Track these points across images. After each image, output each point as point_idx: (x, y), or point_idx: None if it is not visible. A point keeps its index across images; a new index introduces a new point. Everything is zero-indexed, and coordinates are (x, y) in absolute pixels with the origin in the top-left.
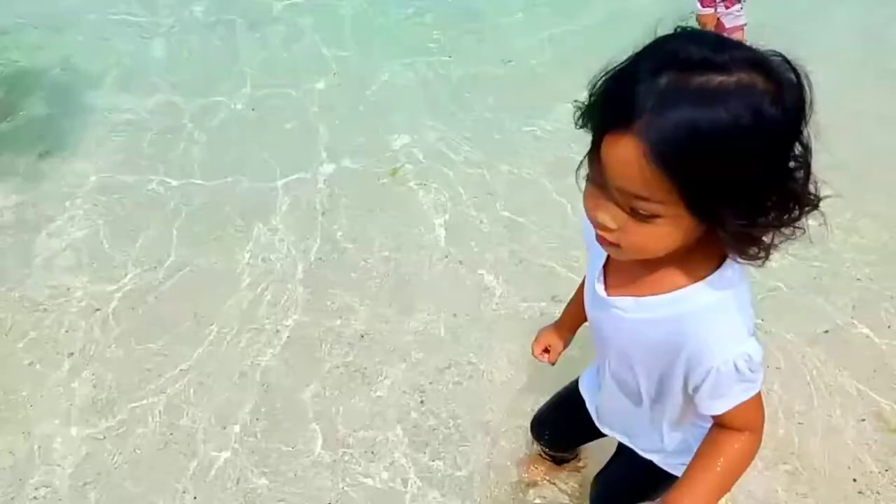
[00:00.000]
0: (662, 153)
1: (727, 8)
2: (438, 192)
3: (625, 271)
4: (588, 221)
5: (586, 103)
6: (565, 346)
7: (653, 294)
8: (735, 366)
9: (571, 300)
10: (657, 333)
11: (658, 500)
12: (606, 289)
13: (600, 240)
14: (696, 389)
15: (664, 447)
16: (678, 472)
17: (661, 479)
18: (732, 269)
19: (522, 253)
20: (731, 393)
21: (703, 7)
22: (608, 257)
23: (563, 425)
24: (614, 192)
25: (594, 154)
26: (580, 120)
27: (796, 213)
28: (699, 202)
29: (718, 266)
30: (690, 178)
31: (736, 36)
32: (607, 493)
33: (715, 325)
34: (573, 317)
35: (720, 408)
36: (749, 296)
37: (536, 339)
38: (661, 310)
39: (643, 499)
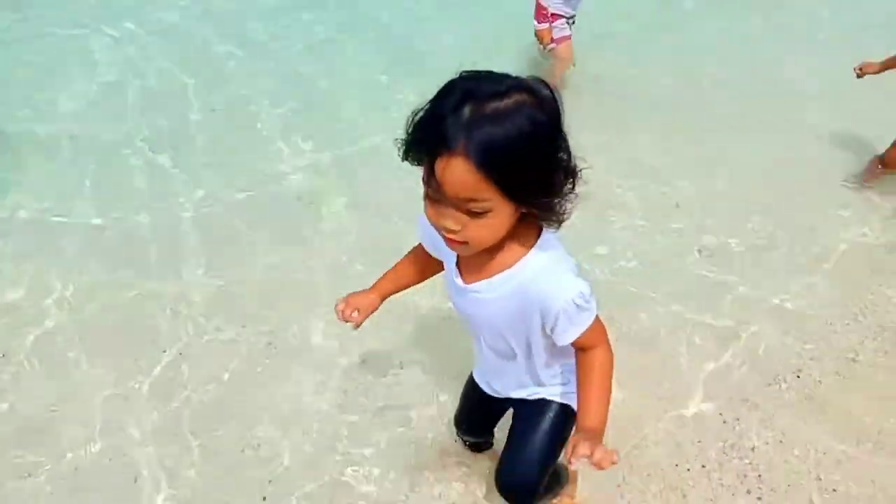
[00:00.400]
0: (482, 162)
1: (552, 23)
2: None
3: (473, 262)
4: (429, 235)
5: (406, 141)
6: (372, 311)
7: (499, 272)
8: (574, 303)
9: (389, 272)
10: (512, 304)
11: (573, 436)
12: (463, 280)
13: (449, 243)
14: (552, 330)
15: (544, 382)
16: (567, 400)
17: (558, 412)
18: (547, 238)
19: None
20: (579, 322)
21: (539, 24)
22: (458, 256)
23: (471, 411)
24: (452, 200)
25: (430, 177)
26: (403, 154)
27: (571, 183)
28: (513, 191)
29: (536, 239)
30: (504, 175)
31: (563, 45)
32: (528, 451)
33: (551, 280)
34: (385, 284)
35: (573, 335)
36: (565, 251)
37: (346, 301)
38: (507, 283)
39: (557, 436)
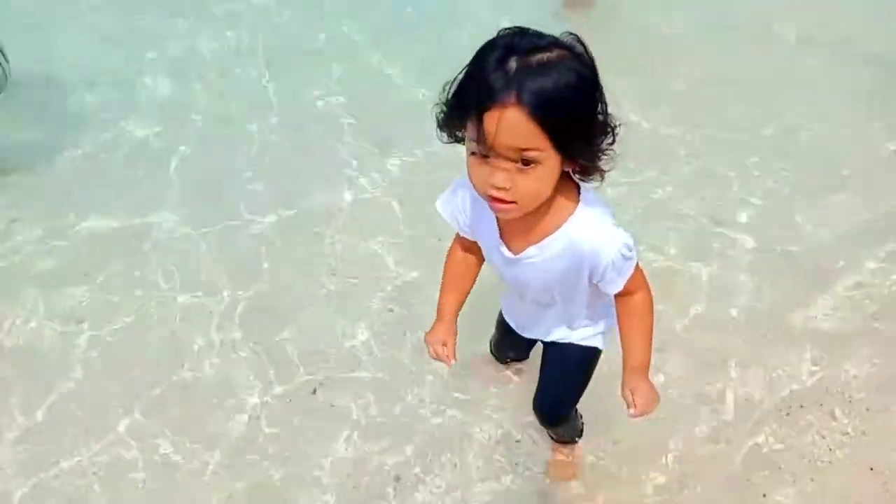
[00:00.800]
0: (535, 110)
1: None
2: None
3: (518, 230)
4: (461, 211)
5: (448, 105)
6: (455, 337)
7: (547, 235)
8: (621, 254)
9: (444, 296)
10: (563, 262)
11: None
12: (511, 251)
13: (497, 207)
14: (600, 280)
15: (576, 327)
16: (595, 342)
17: (585, 355)
18: (587, 194)
19: None
20: (624, 272)
21: None
22: (500, 229)
23: (506, 342)
24: (504, 152)
25: (479, 133)
26: (442, 123)
27: (611, 138)
28: (562, 141)
29: (578, 196)
30: (556, 123)
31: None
32: (558, 394)
33: (599, 235)
34: (452, 307)
35: (620, 285)
36: (604, 203)
37: (429, 342)
38: (557, 244)
39: (584, 376)
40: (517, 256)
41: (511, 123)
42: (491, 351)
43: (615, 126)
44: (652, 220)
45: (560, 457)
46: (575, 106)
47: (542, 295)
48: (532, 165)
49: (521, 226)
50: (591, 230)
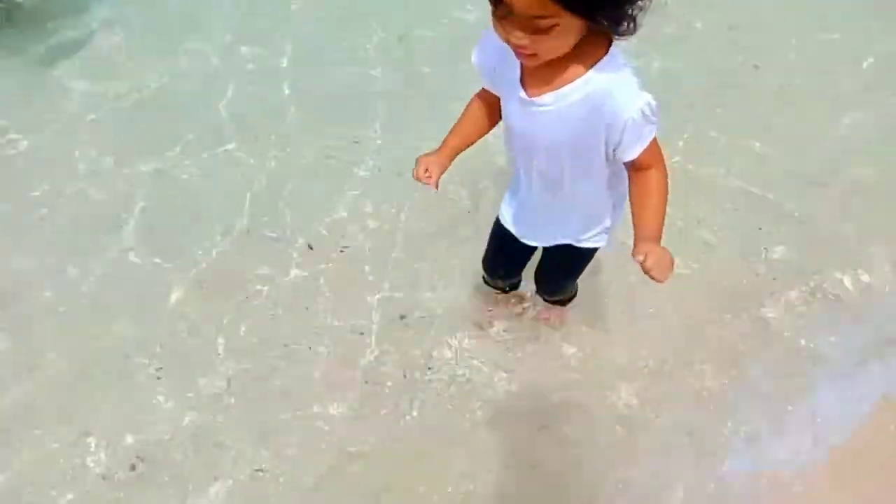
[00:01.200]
0: None
1: None
2: None
3: (539, 75)
4: (488, 58)
5: None
6: (443, 171)
7: (567, 83)
8: (642, 112)
9: (451, 133)
10: (579, 112)
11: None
12: (528, 95)
13: (521, 55)
14: (617, 144)
15: (581, 232)
16: (600, 243)
17: (587, 254)
18: (615, 51)
19: None
20: (643, 135)
21: None
22: (522, 73)
23: (501, 255)
24: (518, 18)
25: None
26: None
27: None
28: (578, 6)
29: (605, 52)
30: None
31: None
32: (560, 282)
33: (620, 90)
34: (454, 142)
35: (637, 151)
36: (631, 65)
37: (418, 161)
38: (575, 94)
39: (584, 266)
40: (531, 98)
41: None
42: (484, 277)
43: None
44: None
45: (546, 314)
46: None
47: (550, 161)
48: (548, 30)
49: (544, 71)
50: (614, 83)
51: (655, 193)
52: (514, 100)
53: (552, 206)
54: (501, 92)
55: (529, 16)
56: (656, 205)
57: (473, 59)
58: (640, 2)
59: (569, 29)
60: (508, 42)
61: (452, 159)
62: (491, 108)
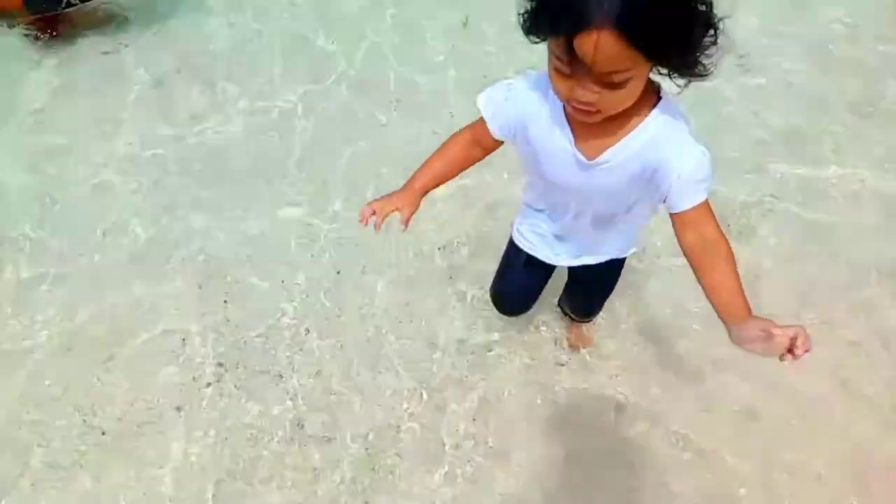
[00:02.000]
0: (634, 34)
1: None
2: None
3: (592, 132)
4: (507, 115)
5: (535, 13)
6: (414, 212)
7: (623, 137)
8: (700, 165)
9: (422, 172)
10: (636, 165)
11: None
12: (586, 156)
13: (580, 112)
14: (669, 190)
15: (616, 249)
16: (622, 253)
17: (617, 269)
18: (666, 98)
19: None
20: (697, 189)
21: None
22: (572, 131)
23: (516, 284)
24: (595, 76)
25: (567, 55)
26: (528, 28)
27: (713, 32)
28: (658, 55)
29: (656, 103)
30: (654, 43)
31: None
32: (593, 303)
33: (673, 137)
34: (424, 182)
35: (689, 203)
36: (684, 115)
37: (388, 200)
38: (632, 145)
39: (615, 284)
40: (593, 161)
41: (605, 49)
42: (495, 302)
43: (717, 20)
44: None
45: (575, 331)
46: (673, 16)
47: (607, 206)
48: (621, 84)
49: (598, 129)
50: (666, 131)
51: (729, 261)
52: (562, 161)
53: (606, 234)
54: (525, 148)
55: (608, 71)
56: (735, 274)
57: (482, 103)
58: (710, 44)
59: (640, 79)
60: (569, 99)
61: (420, 200)
62: (484, 152)
